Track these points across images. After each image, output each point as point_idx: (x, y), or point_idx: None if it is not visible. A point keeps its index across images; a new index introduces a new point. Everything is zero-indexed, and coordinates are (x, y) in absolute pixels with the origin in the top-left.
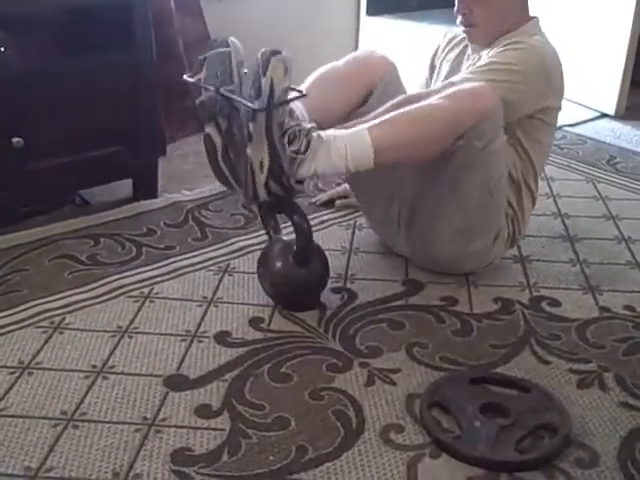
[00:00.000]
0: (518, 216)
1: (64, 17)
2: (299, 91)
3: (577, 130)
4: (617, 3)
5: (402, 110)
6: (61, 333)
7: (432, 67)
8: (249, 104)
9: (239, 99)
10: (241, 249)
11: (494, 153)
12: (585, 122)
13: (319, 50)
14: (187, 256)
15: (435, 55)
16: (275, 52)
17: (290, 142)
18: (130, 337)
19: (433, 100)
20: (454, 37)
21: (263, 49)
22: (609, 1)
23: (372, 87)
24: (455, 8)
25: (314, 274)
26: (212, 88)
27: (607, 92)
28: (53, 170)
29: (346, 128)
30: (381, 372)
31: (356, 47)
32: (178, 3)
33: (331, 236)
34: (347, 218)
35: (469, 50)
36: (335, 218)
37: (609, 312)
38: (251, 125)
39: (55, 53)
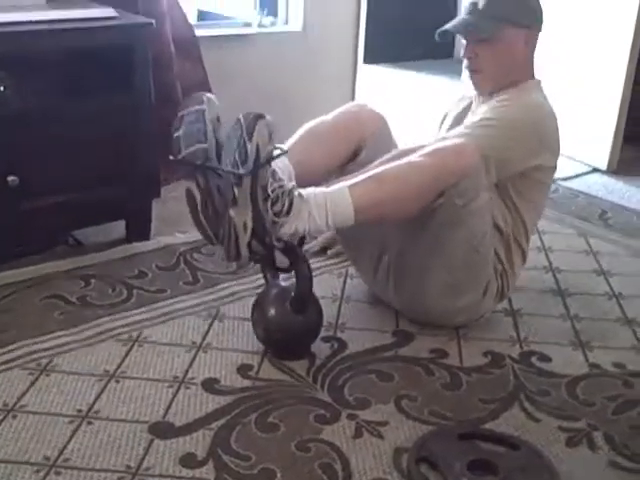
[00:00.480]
0: (507, 272)
1: (64, 58)
2: (280, 149)
3: (569, 184)
4: (609, 59)
5: (384, 167)
6: (47, 375)
7: (440, 125)
8: (234, 171)
9: (224, 169)
10: (232, 294)
11: (476, 211)
12: (577, 176)
13: (316, 97)
14: (177, 300)
15: (445, 116)
16: (259, 116)
17: (273, 203)
18: (117, 381)
19: (416, 158)
20: (463, 96)
21: (245, 113)
22: (602, 56)
23: (362, 142)
24: (462, 51)
25: (309, 322)
26: (198, 162)
27: (599, 147)
28: (47, 210)
29: (332, 184)
30: (369, 424)
31: (353, 95)
32: (178, 47)
33: (322, 284)
34: (339, 266)
35: (474, 105)
36: (327, 266)
37: (599, 369)
38: (236, 189)
39: (54, 94)
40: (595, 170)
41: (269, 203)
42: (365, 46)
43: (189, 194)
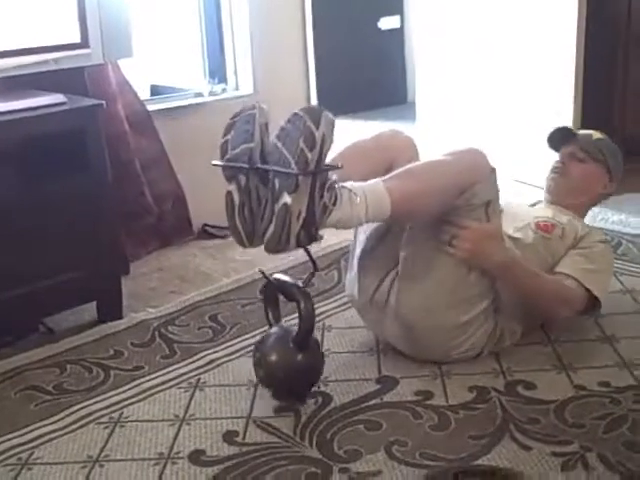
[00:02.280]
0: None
1: (19, 148)
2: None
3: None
4: (558, 89)
5: (410, 165)
6: (30, 469)
7: None
8: (293, 170)
9: (278, 169)
10: (211, 362)
11: (493, 215)
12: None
13: None
14: (156, 375)
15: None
16: (322, 109)
17: (323, 194)
18: (101, 466)
19: (437, 157)
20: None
21: (304, 106)
22: (548, 86)
23: (395, 163)
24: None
25: (312, 361)
26: (246, 166)
27: None
28: (15, 300)
29: None
30: (362, 476)
31: None
32: (132, 124)
33: None
34: (316, 320)
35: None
36: None
37: (585, 390)
38: (300, 178)
39: (13, 184)
40: None
41: (322, 193)
42: (319, 101)
43: (229, 197)
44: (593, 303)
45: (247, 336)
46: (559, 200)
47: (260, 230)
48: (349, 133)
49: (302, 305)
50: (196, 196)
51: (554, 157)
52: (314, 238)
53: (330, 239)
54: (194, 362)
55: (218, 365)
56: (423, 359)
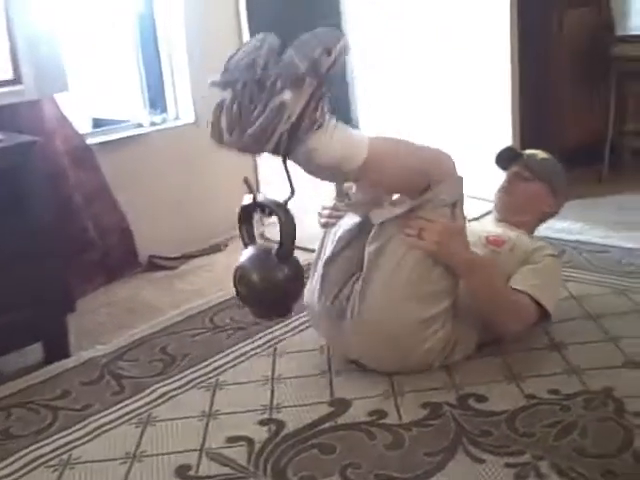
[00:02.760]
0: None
1: None
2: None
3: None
4: (499, 108)
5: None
6: None
7: None
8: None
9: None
10: (162, 396)
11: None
12: (485, 214)
13: (218, 183)
14: (106, 413)
15: None
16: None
17: (315, 110)
18: None
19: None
20: None
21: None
22: (491, 106)
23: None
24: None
25: (295, 271)
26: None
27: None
28: None
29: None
30: None
31: (256, 173)
32: (72, 159)
33: (252, 367)
34: (266, 346)
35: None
36: (254, 348)
37: (535, 399)
38: (308, 78)
39: None
40: None
41: (317, 106)
42: None
43: (220, 101)
44: (544, 316)
45: (197, 367)
46: (506, 218)
47: (245, 123)
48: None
49: (282, 218)
50: (142, 228)
51: (498, 171)
52: (290, 149)
53: None
54: (144, 397)
55: (169, 398)
56: (379, 367)
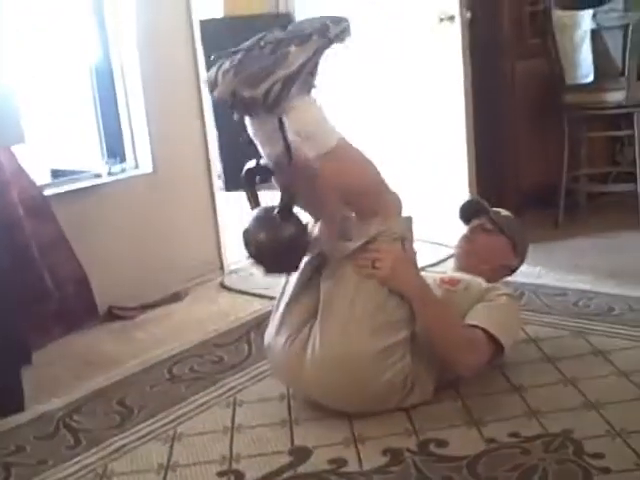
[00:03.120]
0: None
1: None
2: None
3: (439, 269)
4: (454, 153)
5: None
6: None
7: None
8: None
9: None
10: (118, 449)
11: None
12: (444, 260)
13: (177, 232)
14: (60, 468)
15: None
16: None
17: (311, 75)
18: None
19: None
20: None
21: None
22: (447, 152)
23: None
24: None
25: (299, 229)
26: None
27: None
28: None
29: None
30: None
31: (216, 224)
32: (28, 209)
33: (211, 417)
34: (225, 396)
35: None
36: (213, 398)
37: (495, 442)
38: (315, 36)
39: None
40: None
41: (314, 71)
42: (225, 175)
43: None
44: (499, 350)
45: (156, 418)
46: (465, 267)
47: (241, 67)
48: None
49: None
50: (101, 278)
51: (452, 216)
52: (282, 98)
53: (239, 312)
54: (101, 450)
55: (126, 452)
56: (339, 404)
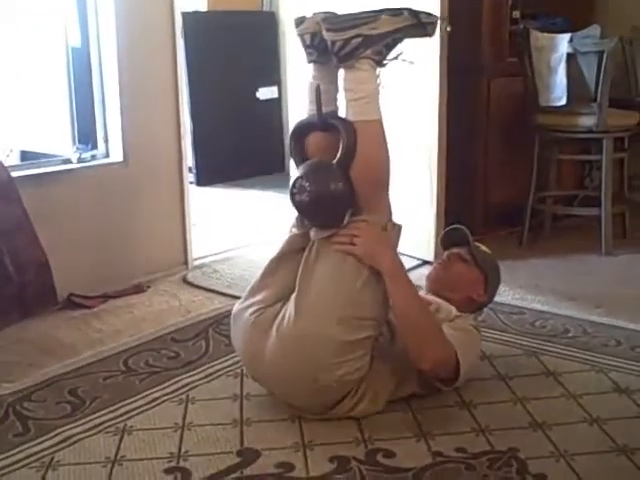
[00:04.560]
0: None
1: None
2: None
3: None
4: (422, 165)
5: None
6: None
7: None
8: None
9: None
10: (67, 439)
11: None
12: (409, 270)
13: (145, 223)
14: (6, 455)
15: None
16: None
17: (389, 47)
18: None
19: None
20: None
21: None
22: (416, 163)
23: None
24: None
25: (349, 182)
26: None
27: (425, 240)
28: None
29: None
30: None
31: (184, 217)
32: None
33: (162, 413)
34: (178, 393)
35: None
36: (166, 394)
37: (442, 456)
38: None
39: None
40: (425, 262)
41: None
42: (197, 170)
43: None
44: (453, 376)
45: (107, 410)
46: (435, 290)
47: (333, 17)
48: (228, 201)
49: (341, 127)
50: (63, 265)
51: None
52: (355, 54)
53: (200, 309)
54: (49, 439)
55: (75, 442)
56: (289, 394)
